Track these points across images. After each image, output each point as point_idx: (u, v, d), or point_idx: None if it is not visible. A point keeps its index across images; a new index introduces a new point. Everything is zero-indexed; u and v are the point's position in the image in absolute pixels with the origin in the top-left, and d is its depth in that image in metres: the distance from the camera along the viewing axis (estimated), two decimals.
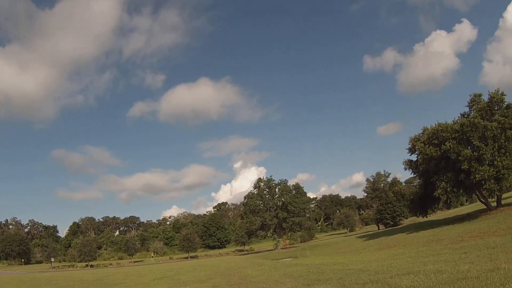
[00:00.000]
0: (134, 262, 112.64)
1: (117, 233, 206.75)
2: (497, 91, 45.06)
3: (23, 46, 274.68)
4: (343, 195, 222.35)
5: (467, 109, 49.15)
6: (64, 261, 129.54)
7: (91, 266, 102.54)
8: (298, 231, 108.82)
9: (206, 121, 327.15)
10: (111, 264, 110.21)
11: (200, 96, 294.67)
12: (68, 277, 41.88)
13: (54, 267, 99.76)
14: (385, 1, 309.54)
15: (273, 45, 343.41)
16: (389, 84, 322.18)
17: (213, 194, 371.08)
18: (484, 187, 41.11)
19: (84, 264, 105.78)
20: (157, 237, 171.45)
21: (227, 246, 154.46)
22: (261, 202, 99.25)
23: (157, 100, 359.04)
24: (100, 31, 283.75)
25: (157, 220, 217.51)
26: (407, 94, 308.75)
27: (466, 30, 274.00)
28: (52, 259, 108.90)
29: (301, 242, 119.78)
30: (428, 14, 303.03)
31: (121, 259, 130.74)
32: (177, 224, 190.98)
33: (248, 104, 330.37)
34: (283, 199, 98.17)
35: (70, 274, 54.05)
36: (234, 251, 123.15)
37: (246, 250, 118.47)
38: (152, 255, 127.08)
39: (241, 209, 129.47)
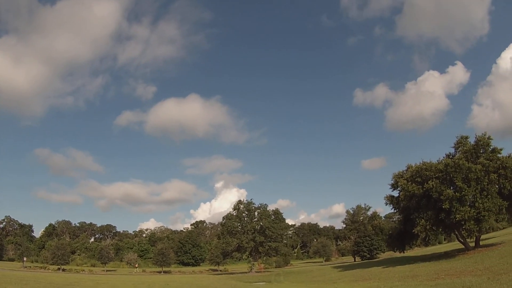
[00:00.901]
0: (107, 270, 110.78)
1: (92, 239, 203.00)
2: (484, 135, 45.93)
3: (20, 39, 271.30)
4: (321, 224, 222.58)
5: (452, 150, 49.97)
6: (37, 261, 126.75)
7: (63, 270, 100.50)
8: (274, 256, 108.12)
9: (192, 138, 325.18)
10: (83, 270, 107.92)
11: (188, 112, 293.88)
12: (39, 278, 41.12)
13: (26, 267, 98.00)
14: (382, 38, 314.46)
15: (267, 70, 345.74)
16: (377, 119, 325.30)
17: (191, 211, 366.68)
18: (463, 227, 41.63)
19: (56, 267, 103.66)
20: (132, 248, 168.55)
21: (201, 264, 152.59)
22: (239, 224, 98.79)
23: (145, 111, 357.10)
24: (98, 35, 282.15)
25: (133, 231, 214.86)
26: (394, 130, 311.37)
27: (459, 73, 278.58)
28: (25, 259, 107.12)
29: (276, 267, 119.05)
30: (423, 54, 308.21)
31: (94, 267, 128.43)
32: (153, 238, 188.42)
33: (235, 126, 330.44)
34: (261, 223, 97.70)
35: (41, 276, 52.93)
36: (208, 270, 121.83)
37: (220, 270, 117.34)
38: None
39: (219, 229, 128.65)
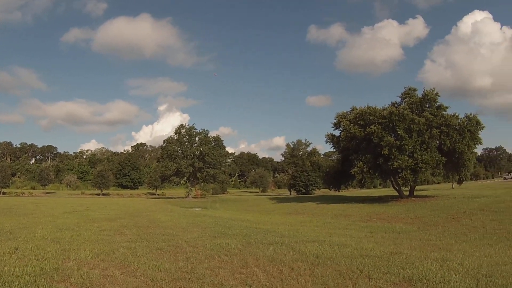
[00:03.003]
0: (47, 193, 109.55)
1: (32, 161, 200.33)
2: (432, 90, 46.15)
3: None
4: (261, 155, 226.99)
5: (399, 100, 50.05)
6: None
7: (3, 193, 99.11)
8: (211, 183, 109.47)
9: (139, 58, 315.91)
10: (23, 193, 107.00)
11: (138, 32, 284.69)
12: None
13: None
14: None
15: None
16: (328, 58, 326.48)
17: (133, 133, 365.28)
18: (400, 175, 43.13)
19: None
20: (72, 170, 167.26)
21: (139, 187, 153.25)
22: (179, 148, 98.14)
23: (94, 29, 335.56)
24: None
25: (74, 153, 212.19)
26: (344, 71, 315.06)
27: (418, 27, 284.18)
28: None
29: (212, 194, 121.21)
30: (385, 2, 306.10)
31: (34, 189, 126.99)
32: (93, 159, 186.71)
33: (184, 48, 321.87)
34: (201, 149, 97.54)
35: None
36: (146, 194, 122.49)
37: (158, 194, 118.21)
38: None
39: (159, 152, 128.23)
